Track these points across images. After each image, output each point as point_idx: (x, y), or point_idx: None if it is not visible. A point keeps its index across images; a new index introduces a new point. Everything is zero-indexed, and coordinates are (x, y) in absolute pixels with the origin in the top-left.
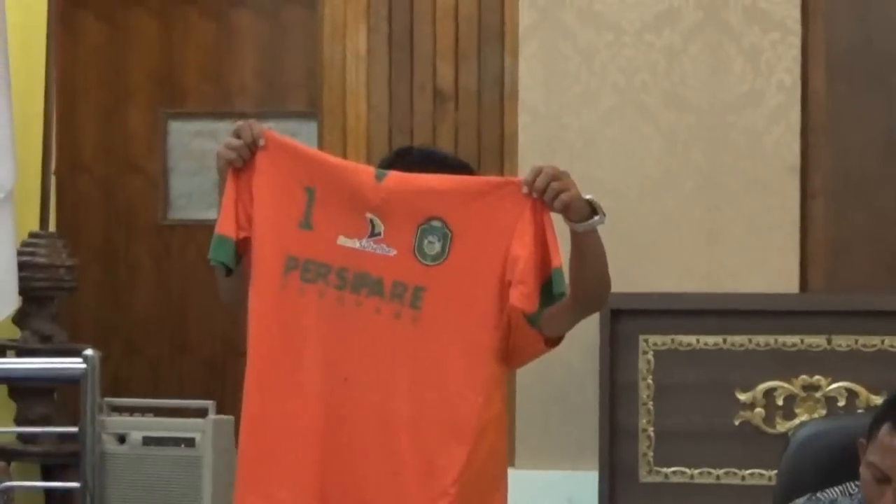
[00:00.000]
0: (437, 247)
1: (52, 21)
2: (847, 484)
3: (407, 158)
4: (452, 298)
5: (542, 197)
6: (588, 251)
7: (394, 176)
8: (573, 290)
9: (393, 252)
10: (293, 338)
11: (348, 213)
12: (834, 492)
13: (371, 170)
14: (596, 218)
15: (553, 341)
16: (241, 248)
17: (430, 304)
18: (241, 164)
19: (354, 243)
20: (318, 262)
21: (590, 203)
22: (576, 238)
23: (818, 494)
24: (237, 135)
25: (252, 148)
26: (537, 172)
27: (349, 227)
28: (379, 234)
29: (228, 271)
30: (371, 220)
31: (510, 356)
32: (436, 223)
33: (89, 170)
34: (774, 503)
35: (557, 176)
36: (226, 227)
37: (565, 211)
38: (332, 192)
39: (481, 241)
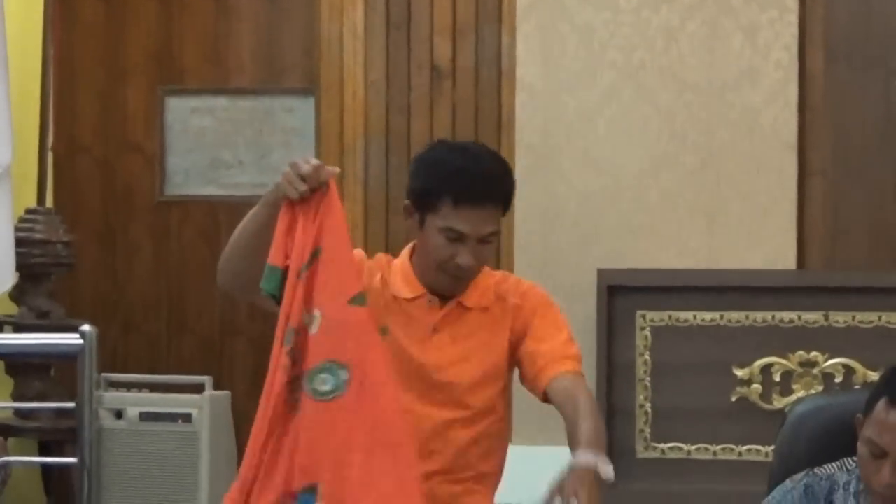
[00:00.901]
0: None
1: None
2: (844, 460)
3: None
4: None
5: None
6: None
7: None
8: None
9: None
10: None
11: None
12: (832, 467)
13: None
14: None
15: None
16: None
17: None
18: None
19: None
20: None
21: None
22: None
23: (815, 470)
24: (304, 177)
25: (314, 188)
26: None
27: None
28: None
29: (277, 301)
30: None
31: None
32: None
33: (87, 147)
34: (771, 479)
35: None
36: (275, 258)
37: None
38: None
39: None
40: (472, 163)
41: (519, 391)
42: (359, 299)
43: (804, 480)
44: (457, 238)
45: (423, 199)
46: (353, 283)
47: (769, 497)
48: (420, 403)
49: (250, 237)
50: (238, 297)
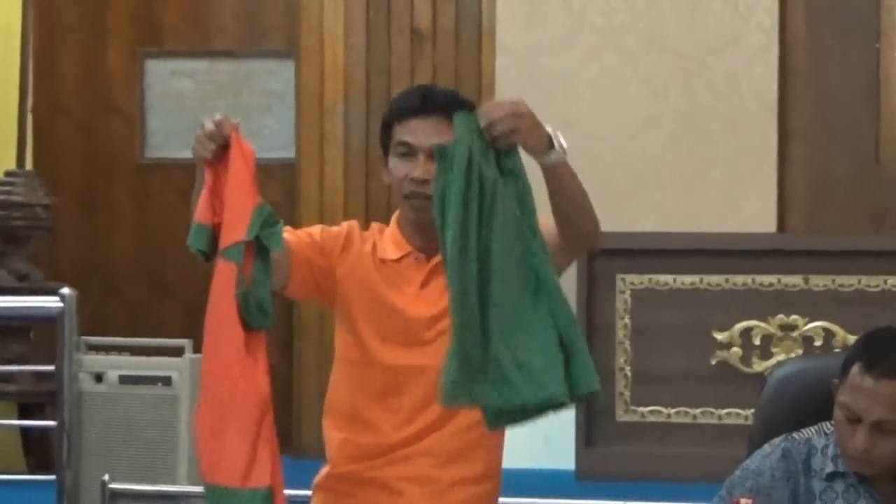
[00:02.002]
0: None
1: None
2: (822, 424)
3: (431, 104)
4: None
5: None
6: (557, 185)
7: None
8: (559, 229)
9: None
10: None
11: None
12: (809, 431)
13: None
14: (553, 153)
15: None
16: (218, 233)
17: None
18: (213, 160)
19: None
20: None
21: (551, 138)
22: (545, 173)
23: (793, 434)
24: (210, 137)
25: (223, 145)
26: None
27: None
28: None
29: (206, 258)
30: None
31: None
32: None
33: (67, 109)
34: (751, 442)
35: (509, 112)
36: (202, 215)
37: (524, 145)
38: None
39: None
40: (415, 87)
41: None
42: (229, 252)
43: (782, 445)
44: (407, 152)
45: (383, 137)
46: (230, 235)
47: (747, 461)
48: (418, 358)
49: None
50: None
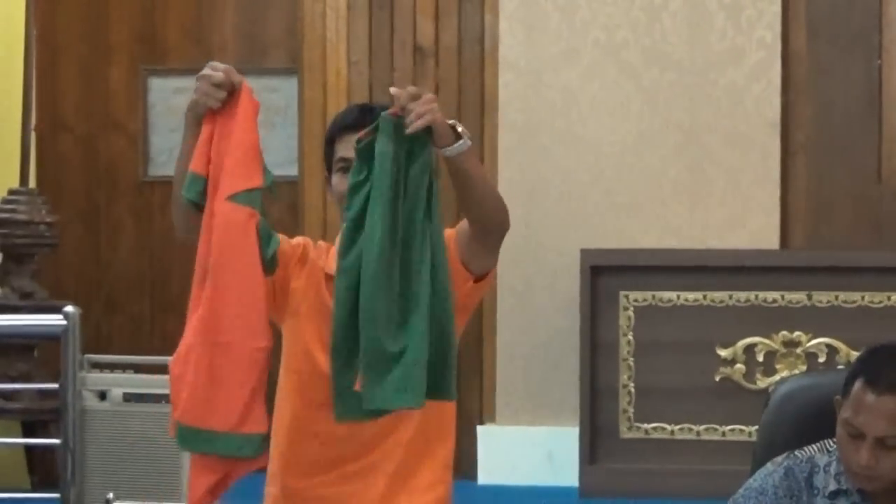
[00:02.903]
0: None
1: None
2: (825, 441)
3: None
4: None
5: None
6: (463, 176)
7: None
8: (470, 221)
9: None
10: None
11: None
12: (811, 449)
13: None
14: (460, 142)
15: (480, 277)
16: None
17: None
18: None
19: None
20: None
21: (454, 128)
22: (448, 164)
23: (796, 452)
24: (221, 84)
25: (230, 92)
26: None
27: None
28: None
29: (198, 209)
30: None
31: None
32: None
33: (70, 127)
34: (754, 459)
35: (417, 96)
36: (198, 165)
37: (430, 134)
38: None
39: None
40: (354, 104)
41: (502, 373)
42: (242, 197)
43: (784, 463)
44: (347, 167)
45: (326, 154)
46: (241, 181)
47: (750, 480)
48: None
49: (187, 162)
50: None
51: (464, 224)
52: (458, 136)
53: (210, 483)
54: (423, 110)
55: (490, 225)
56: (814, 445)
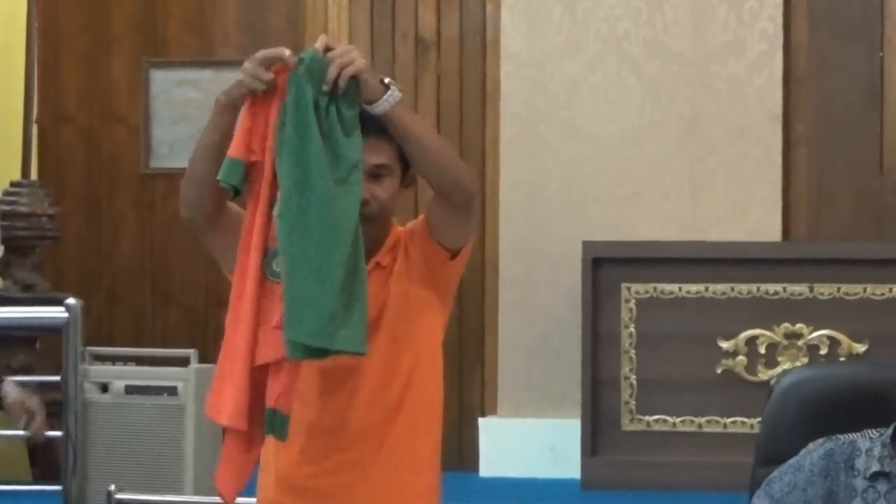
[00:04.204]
0: None
1: None
2: (867, 430)
3: None
4: None
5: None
6: (402, 131)
7: None
8: (427, 181)
9: None
10: None
11: None
12: (853, 435)
13: None
14: (388, 94)
15: (455, 253)
16: (249, 172)
17: None
18: (261, 93)
19: None
20: None
21: (383, 83)
22: (388, 124)
23: (838, 436)
24: (266, 64)
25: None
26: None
27: None
28: None
29: (236, 193)
30: None
31: (437, 286)
32: None
33: (71, 119)
34: (757, 451)
35: (345, 52)
36: (237, 150)
37: (357, 89)
38: None
39: None
40: None
41: (503, 365)
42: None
43: (826, 444)
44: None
45: None
46: None
47: (791, 461)
48: (353, 357)
49: (218, 144)
50: (201, 224)
51: (430, 198)
52: (386, 89)
53: (239, 466)
54: (345, 60)
55: (446, 184)
56: (856, 433)
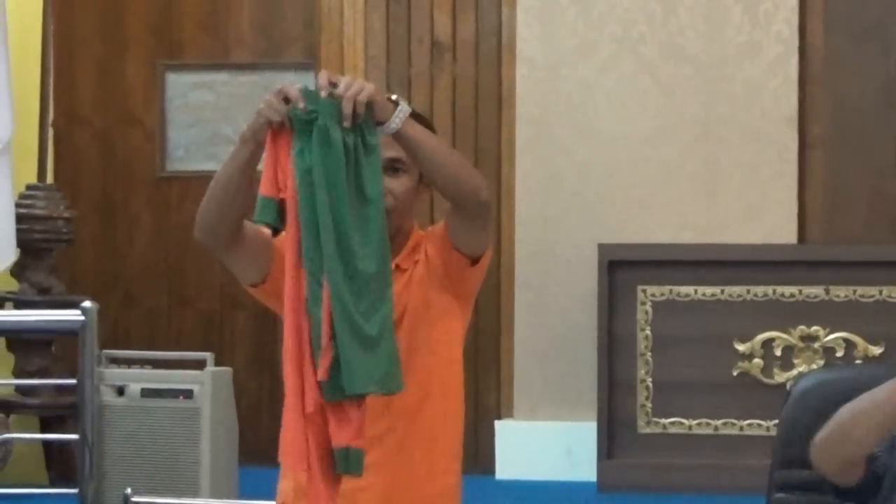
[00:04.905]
0: None
1: None
2: None
3: None
4: None
5: (343, 102)
6: (418, 145)
7: None
8: (442, 194)
9: None
10: None
11: None
12: None
13: None
14: (399, 110)
15: (475, 259)
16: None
17: None
18: (279, 126)
19: None
20: None
21: (391, 100)
22: (399, 141)
23: None
24: (283, 95)
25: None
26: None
27: None
28: None
29: (275, 232)
30: None
31: (457, 292)
32: None
33: (87, 122)
34: (775, 454)
35: (349, 84)
36: (268, 188)
37: (371, 112)
38: None
39: None
40: None
41: (519, 368)
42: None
43: None
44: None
45: None
46: None
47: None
48: None
49: (238, 175)
50: (217, 247)
51: (448, 207)
52: (396, 105)
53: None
54: (354, 91)
55: (460, 195)
56: None
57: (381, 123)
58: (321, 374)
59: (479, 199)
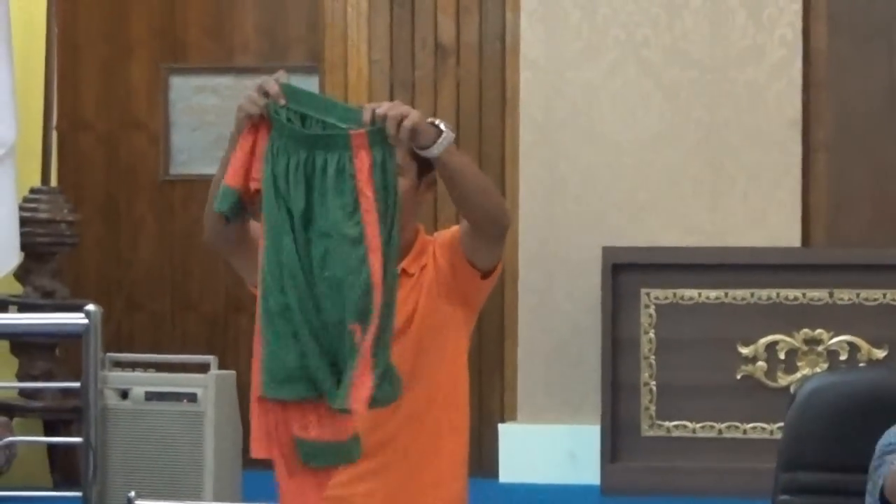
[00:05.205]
0: None
1: None
2: None
3: None
4: None
5: (386, 126)
6: (451, 171)
7: None
8: (466, 216)
9: None
10: None
11: None
12: None
13: None
14: (443, 136)
15: (487, 273)
16: (249, 199)
17: None
18: (258, 118)
19: None
20: None
21: (434, 125)
22: (439, 168)
23: None
24: (263, 90)
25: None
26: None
27: None
28: None
29: (227, 221)
30: None
31: (466, 301)
32: None
33: (91, 125)
34: (780, 457)
35: (394, 106)
36: (233, 179)
37: (413, 137)
38: None
39: None
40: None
41: (523, 371)
42: None
43: None
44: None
45: None
46: None
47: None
48: None
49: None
50: (226, 250)
51: (465, 221)
52: (439, 132)
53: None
54: (398, 113)
55: (485, 221)
56: None
57: (423, 148)
58: (365, 393)
59: (501, 223)
